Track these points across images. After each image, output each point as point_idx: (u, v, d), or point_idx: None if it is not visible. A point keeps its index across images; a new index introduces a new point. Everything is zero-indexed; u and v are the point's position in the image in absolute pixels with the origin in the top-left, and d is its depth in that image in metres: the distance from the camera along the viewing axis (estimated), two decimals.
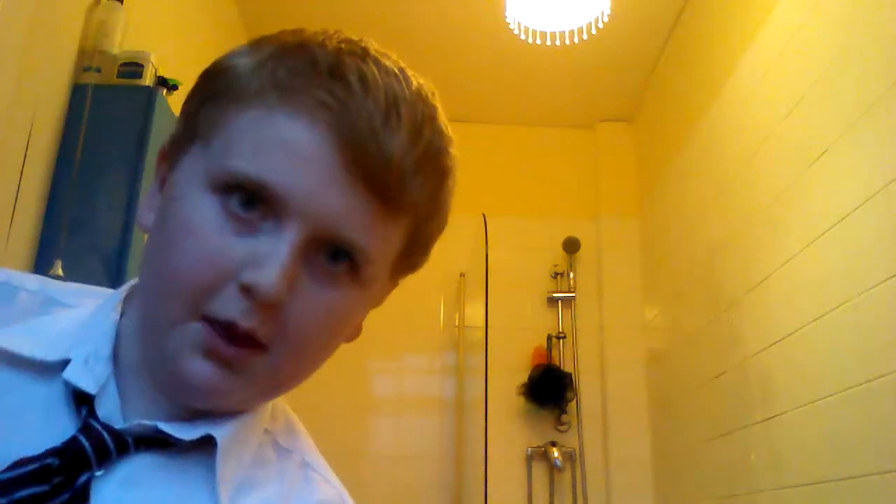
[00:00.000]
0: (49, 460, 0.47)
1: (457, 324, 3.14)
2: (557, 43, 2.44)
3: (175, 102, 1.79)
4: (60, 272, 1.41)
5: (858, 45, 1.62)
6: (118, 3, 1.73)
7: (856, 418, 1.55)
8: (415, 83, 0.54)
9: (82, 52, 1.67)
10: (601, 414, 3.05)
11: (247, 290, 0.48)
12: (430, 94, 0.55)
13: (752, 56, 2.17)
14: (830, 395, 1.65)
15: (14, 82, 1.41)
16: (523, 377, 3.01)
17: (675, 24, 2.82)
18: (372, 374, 3.11)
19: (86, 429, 0.49)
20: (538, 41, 2.46)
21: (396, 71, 0.53)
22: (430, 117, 0.53)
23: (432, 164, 0.53)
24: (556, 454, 2.92)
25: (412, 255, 0.57)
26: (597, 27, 2.40)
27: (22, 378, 0.51)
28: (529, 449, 2.99)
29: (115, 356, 0.54)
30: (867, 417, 1.51)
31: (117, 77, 1.68)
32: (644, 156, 3.27)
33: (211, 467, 0.52)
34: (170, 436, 0.51)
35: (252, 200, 0.49)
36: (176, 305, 0.49)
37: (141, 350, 0.53)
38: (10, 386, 0.51)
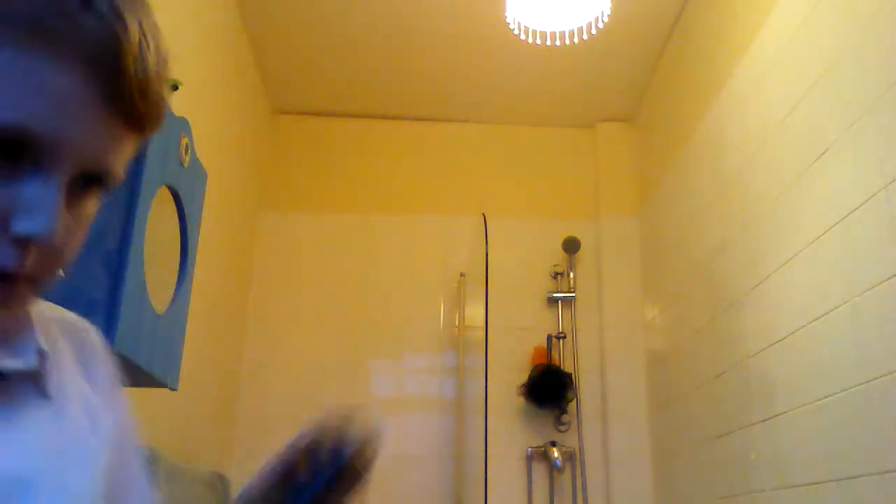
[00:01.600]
0: None
1: (457, 324, 3.14)
2: (557, 43, 2.44)
3: (175, 102, 1.79)
4: None
5: (858, 44, 1.62)
6: None
7: (856, 418, 1.55)
8: (149, 9, 0.57)
9: None
10: (601, 414, 3.05)
11: (21, 240, 0.48)
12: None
13: (752, 56, 2.17)
14: (830, 395, 1.65)
15: None
16: (523, 377, 3.01)
17: (675, 24, 2.82)
18: (372, 374, 3.11)
19: None
20: (538, 41, 2.46)
21: (138, 5, 0.55)
22: (163, 42, 0.57)
23: (165, 85, 0.56)
24: (556, 454, 2.92)
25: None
26: (597, 27, 2.40)
27: None
28: (529, 449, 2.99)
29: None
30: (867, 417, 1.51)
31: None
32: (644, 156, 3.27)
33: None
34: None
35: (11, 148, 0.48)
36: None
37: None
38: None
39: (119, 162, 0.55)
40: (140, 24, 0.53)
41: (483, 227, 3.13)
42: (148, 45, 0.53)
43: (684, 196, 2.73)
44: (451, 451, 2.99)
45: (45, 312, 0.67)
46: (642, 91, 3.21)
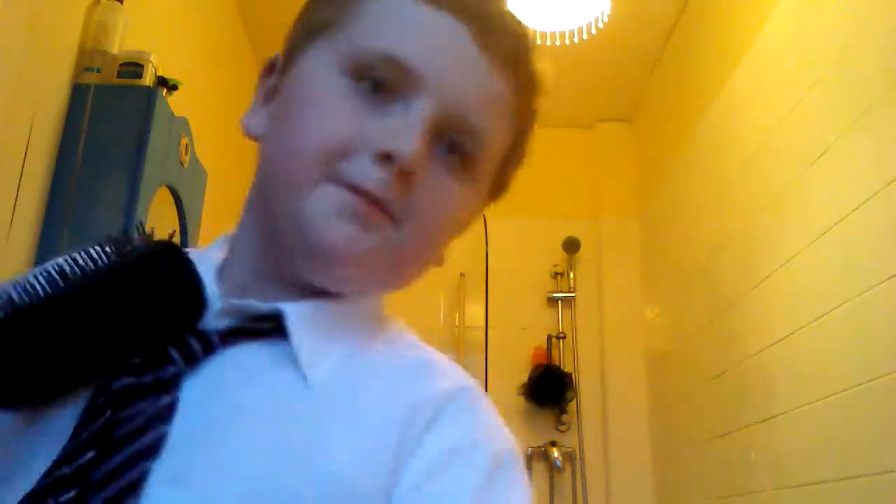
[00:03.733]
0: (135, 360, 0.48)
1: (457, 324, 3.14)
2: (557, 43, 2.44)
3: (175, 102, 1.79)
4: None
5: (858, 45, 1.62)
6: (118, 3, 1.73)
7: (856, 418, 1.55)
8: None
9: (82, 52, 1.67)
10: (601, 414, 3.05)
11: (385, 158, 0.49)
12: None
13: (752, 56, 2.17)
14: (830, 395, 1.65)
15: (14, 82, 1.41)
16: (523, 377, 3.01)
17: (675, 24, 2.82)
18: None
19: (174, 337, 0.49)
20: (538, 41, 2.46)
21: None
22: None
23: (536, 69, 0.60)
24: (556, 454, 2.92)
25: (505, 171, 0.60)
26: (597, 27, 2.40)
27: None
28: (529, 449, 2.99)
29: (221, 283, 0.54)
30: (867, 417, 1.51)
31: (117, 77, 1.68)
32: (644, 156, 3.27)
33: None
34: (246, 313, 0.51)
35: (385, 82, 0.51)
36: (311, 170, 0.50)
37: (250, 261, 0.55)
38: None
39: (488, 126, 0.54)
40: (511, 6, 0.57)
41: (483, 227, 3.13)
42: (521, 22, 0.57)
43: (684, 196, 2.73)
44: None
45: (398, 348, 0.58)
46: (642, 91, 3.21)
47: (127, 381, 0.47)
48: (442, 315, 3.20)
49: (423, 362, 0.56)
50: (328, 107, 0.51)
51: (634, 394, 3.03)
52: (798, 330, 1.81)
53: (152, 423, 0.45)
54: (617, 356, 3.10)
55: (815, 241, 1.75)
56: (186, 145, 1.84)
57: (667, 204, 2.93)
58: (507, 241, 3.19)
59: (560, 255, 3.22)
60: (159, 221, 1.72)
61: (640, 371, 3.06)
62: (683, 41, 2.78)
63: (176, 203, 1.84)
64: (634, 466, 2.94)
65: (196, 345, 0.49)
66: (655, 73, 3.08)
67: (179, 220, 1.86)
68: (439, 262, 0.59)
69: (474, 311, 3.09)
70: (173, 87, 1.78)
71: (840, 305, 1.63)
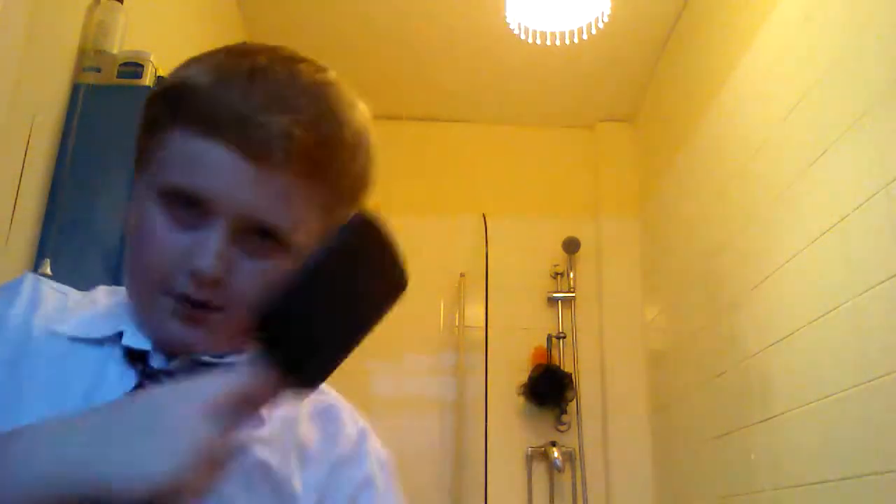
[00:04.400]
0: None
1: (457, 324, 3.14)
2: (557, 43, 2.44)
3: None
4: (49, 271, 1.41)
5: (858, 45, 1.62)
6: (118, 3, 1.73)
7: (855, 418, 1.55)
8: (307, 79, 0.68)
9: (82, 52, 1.67)
10: (601, 414, 3.05)
11: (195, 274, 0.63)
12: (324, 83, 0.70)
13: (752, 56, 2.17)
14: (830, 396, 1.65)
15: (14, 82, 1.41)
16: (523, 377, 3.01)
17: (675, 24, 2.82)
18: (372, 374, 3.11)
19: (148, 375, 0.65)
20: (538, 41, 2.46)
21: (286, 74, 0.66)
22: (328, 107, 0.68)
23: (324, 139, 0.66)
24: (556, 454, 2.92)
25: (341, 211, 0.69)
26: (597, 27, 2.40)
27: (87, 352, 0.68)
28: (529, 449, 2.99)
29: None
30: (867, 418, 1.51)
31: (117, 77, 1.68)
32: (644, 156, 3.27)
33: None
34: (210, 363, 0.66)
35: (187, 204, 0.64)
36: (148, 288, 0.66)
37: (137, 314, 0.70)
38: (85, 359, 0.67)
39: (284, 214, 0.64)
40: (282, 102, 0.64)
41: (483, 227, 3.13)
42: (290, 116, 0.63)
43: (684, 196, 2.73)
44: (451, 451, 2.99)
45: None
46: (642, 91, 3.21)
47: None
48: (442, 315, 3.20)
49: (327, 409, 0.81)
50: (152, 236, 0.65)
51: (634, 394, 3.03)
52: (798, 330, 1.81)
53: None
54: (617, 356, 3.10)
55: (815, 241, 1.75)
56: None
57: (667, 204, 2.93)
58: (507, 241, 3.19)
59: (560, 255, 3.22)
60: None
61: (640, 371, 3.06)
62: (683, 41, 2.78)
63: None
64: (634, 466, 2.94)
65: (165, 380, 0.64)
66: (655, 73, 3.08)
67: None
68: None
69: (474, 311, 3.09)
70: None
71: (840, 305, 1.63)
